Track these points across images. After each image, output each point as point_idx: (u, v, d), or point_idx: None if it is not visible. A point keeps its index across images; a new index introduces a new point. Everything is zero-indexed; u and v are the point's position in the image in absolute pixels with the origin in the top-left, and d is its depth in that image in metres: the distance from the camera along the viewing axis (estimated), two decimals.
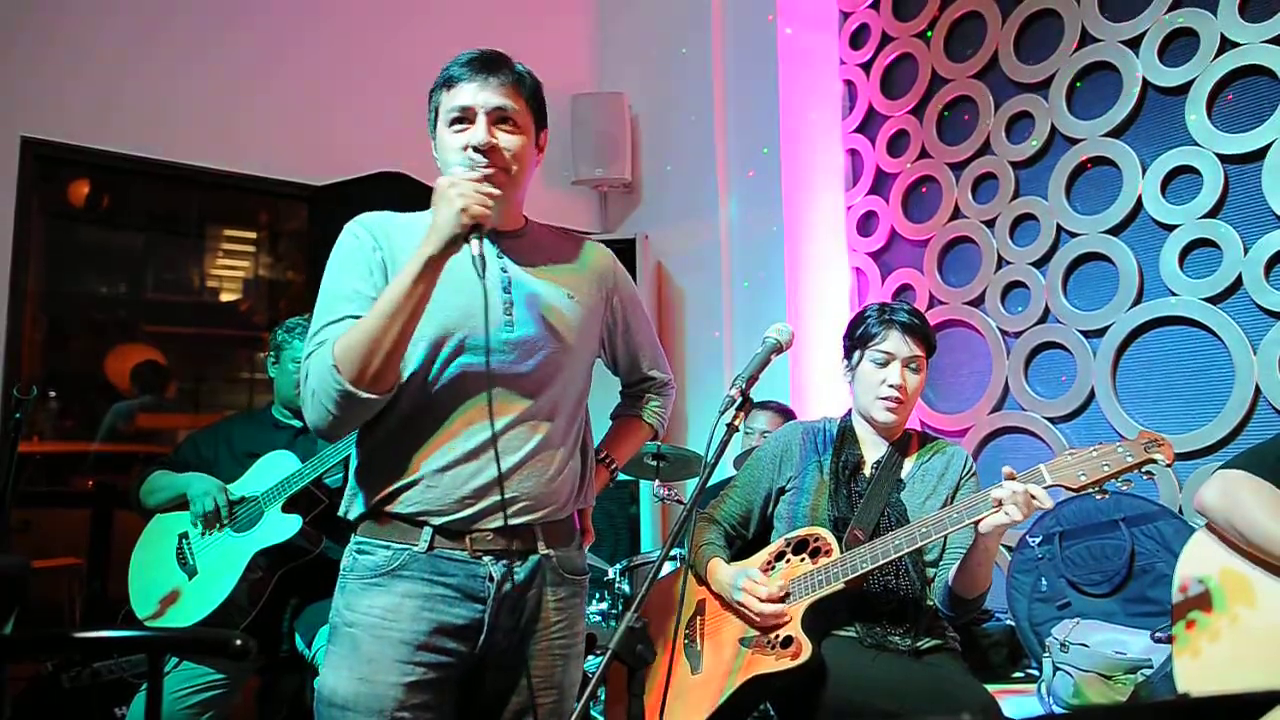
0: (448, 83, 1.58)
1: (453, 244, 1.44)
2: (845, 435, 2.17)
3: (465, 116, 1.56)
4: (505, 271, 1.60)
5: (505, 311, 1.57)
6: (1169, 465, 1.74)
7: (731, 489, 2.25)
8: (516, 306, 1.58)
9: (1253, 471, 1.86)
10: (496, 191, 1.50)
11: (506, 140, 1.56)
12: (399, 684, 1.48)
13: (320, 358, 1.47)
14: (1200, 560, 1.89)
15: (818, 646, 1.90)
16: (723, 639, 2.06)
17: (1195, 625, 1.83)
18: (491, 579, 1.54)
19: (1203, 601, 1.84)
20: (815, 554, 2.01)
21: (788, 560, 2.05)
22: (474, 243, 1.43)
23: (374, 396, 1.46)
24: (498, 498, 1.52)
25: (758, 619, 1.96)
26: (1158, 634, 2.55)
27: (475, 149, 1.54)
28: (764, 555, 2.11)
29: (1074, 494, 1.80)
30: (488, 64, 1.57)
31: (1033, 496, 1.75)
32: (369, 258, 1.56)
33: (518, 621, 1.57)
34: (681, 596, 2.19)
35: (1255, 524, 1.79)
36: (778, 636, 1.94)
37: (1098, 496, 1.78)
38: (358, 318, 1.49)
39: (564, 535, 1.66)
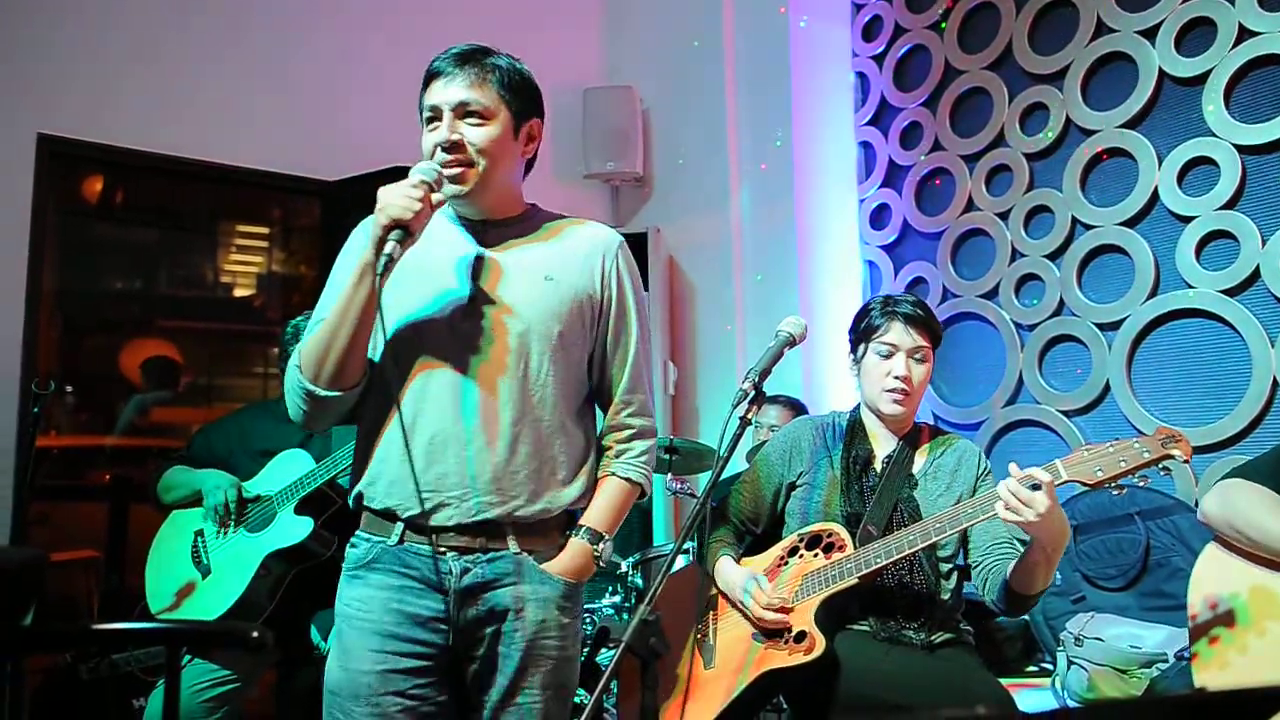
0: (426, 81, 1.61)
1: (378, 246, 1.48)
2: (855, 430, 2.16)
3: (435, 115, 1.59)
4: (480, 259, 1.61)
5: (471, 298, 1.58)
6: (1186, 462, 1.73)
7: (741, 484, 2.24)
8: (484, 292, 1.59)
9: (1251, 479, 1.88)
10: (434, 198, 1.52)
11: (472, 134, 1.57)
12: (372, 672, 1.52)
13: (293, 360, 1.58)
14: (1222, 578, 1.87)
15: (831, 641, 1.90)
16: (736, 634, 2.05)
17: (1220, 640, 1.81)
18: (451, 573, 1.55)
19: (1227, 618, 1.82)
20: (829, 549, 2.00)
21: (801, 556, 2.05)
22: (390, 243, 1.46)
23: (335, 394, 1.55)
24: (451, 492, 1.53)
25: (759, 624, 1.98)
26: (1182, 653, 2.53)
27: (442, 147, 1.56)
28: (777, 550, 2.10)
29: (1089, 489, 1.79)
30: (460, 58, 1.59)
31: (1033, 489, 1.72)
32: (360, 255, 1.60)
33: (488, 618, 1.56)
34: (701, 592, 2.17)
35: (1252, 521, 1.81)
36: (791, 631, 1.94)
37: (1114, 493, 1.78)
38: None
39: (544, 536, 1.62)
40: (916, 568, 2.00)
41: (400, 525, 1.56)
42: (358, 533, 1.62)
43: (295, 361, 1.55)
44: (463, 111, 1.57)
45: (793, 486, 2.16)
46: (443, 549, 1.55)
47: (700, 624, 2.14)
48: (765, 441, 3.26)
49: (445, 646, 1.55)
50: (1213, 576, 1.90)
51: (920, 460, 2.11)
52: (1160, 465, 1.73)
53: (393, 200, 1.47)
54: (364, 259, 1.50)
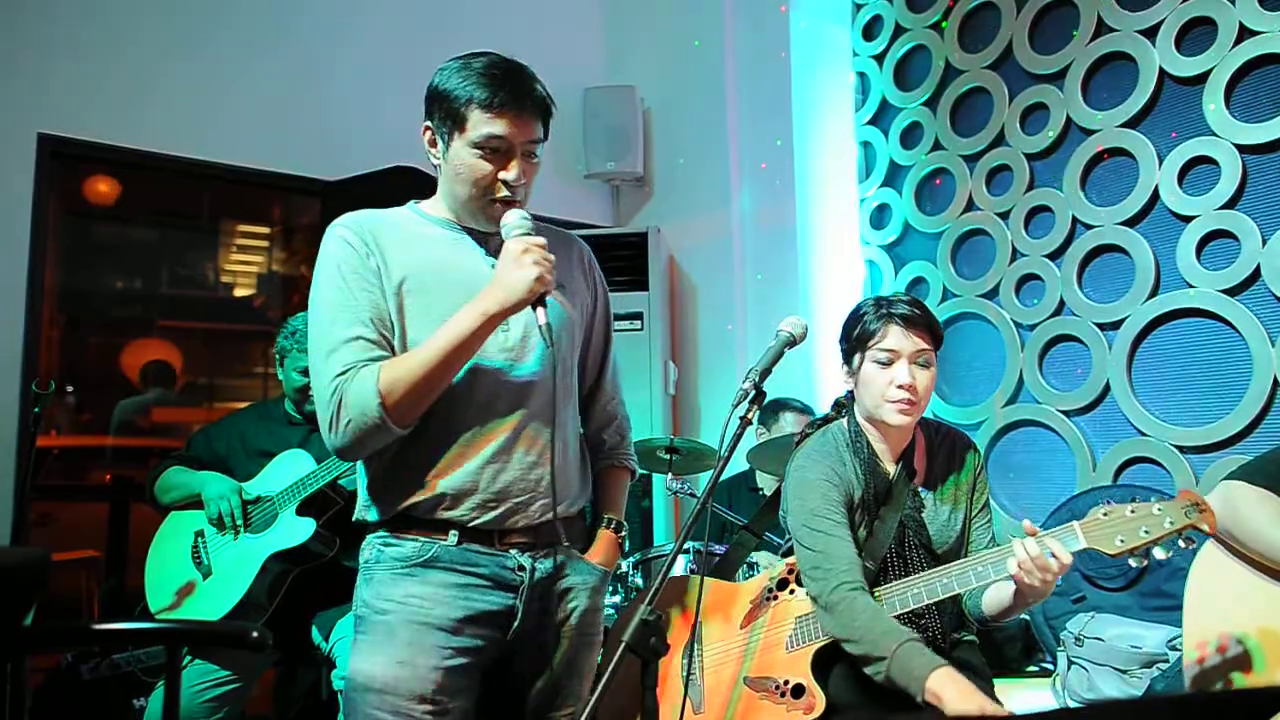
0: (483, 104, 1.52)
1: (518, 308, 1.49)
2: (862, 451, 1.93)
3: (498, 147, 1.54)
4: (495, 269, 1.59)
5: (503, 324, 1.57)
6: (1210, 534, 1.67)
7: (830, 540, 1.84)
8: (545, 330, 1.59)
9: (1253, 481, 1.85)
10: (553, 258, 1.53)
11: (530, 175, 1.59)
12: (439, 667, 1.52)
13: (363, 389, 1.47)
14: (1221, 590, 1.84)
15: (826, 680, 1.82)
16: (724, 674, 1.96)
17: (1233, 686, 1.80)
18: (522, 569, 1.58)
19: (1241, 664, 1.79)
20: None
21: (792, 591, 1.93)
22: (539, 312, 1.48)
23: (404, 432, 1.52)
24: (518, 499, 1.57)
25: None
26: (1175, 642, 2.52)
27: (510, 184, 1.55)
28: (763, 580, 2.01)
29: (1111, 558, 1.69)
30: (522, 90, 1.55)
31: (1051, 557, 1.65)
32: (364, 265, 1.55)
33: (547, 608, 1.62)
34: (695, 624, 2.02)
35: (1257, 533, 1.79)
36: (788, 684, 1.84)
37: (1133, 563, 1.68)
38: (371, 340, 1.51)
39: (581, 531, 1.72)
40: (930, 615, 1.87)
41: (455, 533, 1.56)
42: (394, 534, 1.57)
43: (374, 399, 1.46)
44: (528, 150, 1.57)
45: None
46: (505, 546, 1.58)
47: (687, 661, 2.02)
48: (770, 441, 3.26)
49: (501, 641, 1.59)
50: (1210, 582, 1.87)
51: (920, 470, 1.96)
52: (1183, 535, 1.65)
53: (545, 268, 1.48)
54: (492, 312, 1.47)
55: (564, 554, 1.64)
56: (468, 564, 1.56)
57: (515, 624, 1.58)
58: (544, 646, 1.62)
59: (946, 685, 1.60)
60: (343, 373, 1.49)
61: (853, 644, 1.74)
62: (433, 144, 1.61)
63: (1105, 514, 1.68)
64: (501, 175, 1.55)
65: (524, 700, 1.63)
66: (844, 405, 2.04)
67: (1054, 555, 1.65)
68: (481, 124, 1.52)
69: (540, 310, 1.49)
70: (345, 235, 1.57)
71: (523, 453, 1.57)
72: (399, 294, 1.55)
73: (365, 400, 1.47)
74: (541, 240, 1.52)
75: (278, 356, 2.72)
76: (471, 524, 1.55)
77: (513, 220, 1.54)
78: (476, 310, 1.48)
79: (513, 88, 1.54)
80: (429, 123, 1.60)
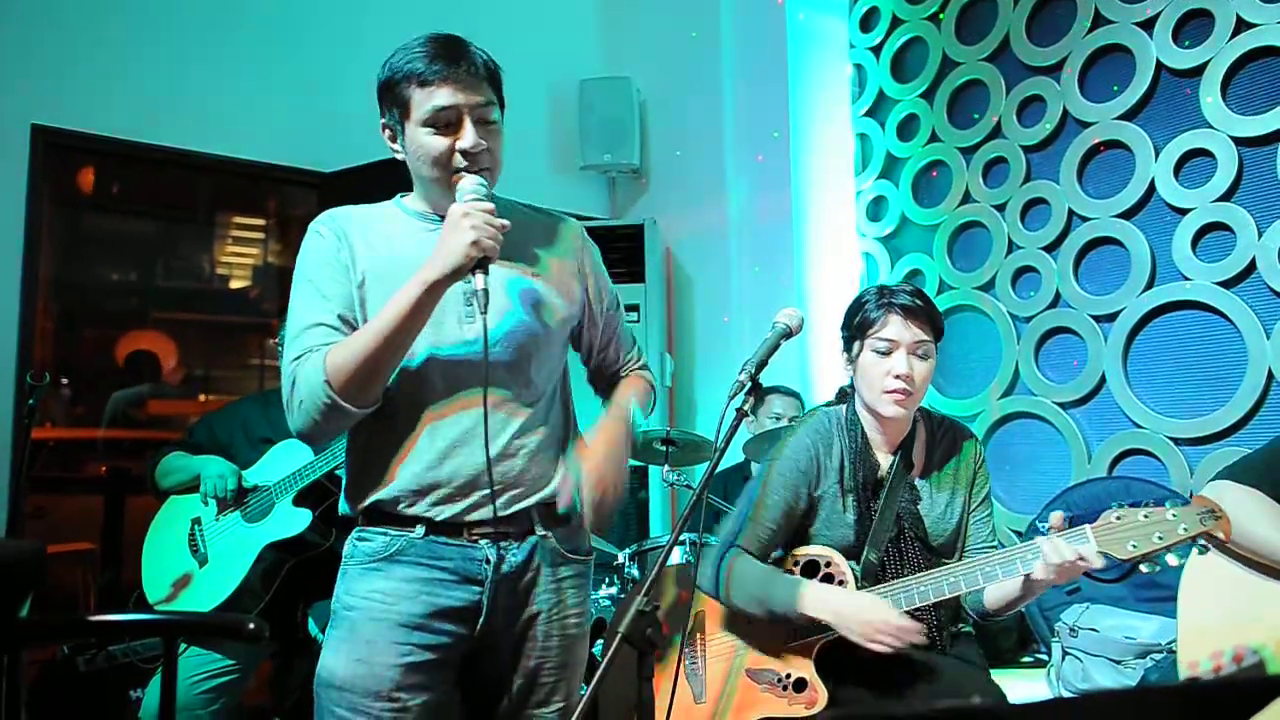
0: (420, 80, 1.49)
1: (457, 273, 1.44)
2: (857, 440, 1.94)
3: (448, 119, 1.50)
4: None
5: (467, 303, 1.55)
6: (1226, 541, 1.66)
7: (760, 512, 1.94)
8: (482, 290, 1.54)
9: (1241, 480, 1.85)
10: (506, 224, 1.48)
11: (491, 139, 1.54)
12: (396, 665, 1.49)
13: (312, 370, 1.47)
14: (1219, 592, 1.84)
15: (831, 688, 1.81)
16: (725, 666, 1.95)
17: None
18: (488, 561, 1.55)
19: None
20: (828, 580, 1.86)
21: None
22: (478, 277, 1.43)
23: (360, 411, 1.49)
24: (486, 490, 1.52)
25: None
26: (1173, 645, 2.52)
27: (467, 153, 1.50)
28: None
29: (1124, 563, 1.70)
30: (456, 56, 1.50)
31: (1080, 558, 1.66)
32: (335, 258, 1.56)
33: (517, 603, 1.58)
34: (689, 615, 2.01)
35: (1245, 533, 1.79)
36: (789, 677, 1.83)
37: (1144, 569, 1.67)
38: (332, 326, 1.51)
39: (561, 516, 1.65)
40: (925, 612, 1.85)
41: (423, 526, 1.54)
42: (365, 528, 1.57)
43: (320, 376, 1.45)
44: (479, 117, 1.52)
45: (810, 511, 1.95)
46: (474, 537, 1.55)
47: (688, 648, 2.02)
48: (766, 432, 3.27)
49: (468, 637, 1.55)
50: (1204, 579, 1.87)
51: (919, 463, 1.96)
52: (1197, 542, 1.64)
53: (483, 231, 1.42)
54: (431, 280, 1.43)
55: (538, 545, 1.59)
56: (434, 557, 1.53)
57: (482, 619, 1.55)
58: (520, 643, 1.59)
59: (815, 594, 1.79)
60: (299, 357, 1.50)
61: (757, 597, 1.84)
62: (392, 139, 1.58)
63: (1118, 518, 1.67)
64: (457, 145, 1.51)
65: (499, 697, 1.59)
66: (847, 394, 2.05)
67: (1083, 559, 1.65)
68: (424, 100, 1.49)
69: (479, 276, 1.42)
70: (320, 229, 1.59)
71: (483, 444, 1.50)
72: (361, 289, 1.54)
73: (313, 381, 1.46)
74: (487, 205, 1.46)
75: (280, 346, 2.72)
76: (439, 518, 1.53)
77: (466, 185, 1.49)
78: (418, 279, 1.44)
79: (447, 56, 1.50)
80: (383, 119, 1.57)
